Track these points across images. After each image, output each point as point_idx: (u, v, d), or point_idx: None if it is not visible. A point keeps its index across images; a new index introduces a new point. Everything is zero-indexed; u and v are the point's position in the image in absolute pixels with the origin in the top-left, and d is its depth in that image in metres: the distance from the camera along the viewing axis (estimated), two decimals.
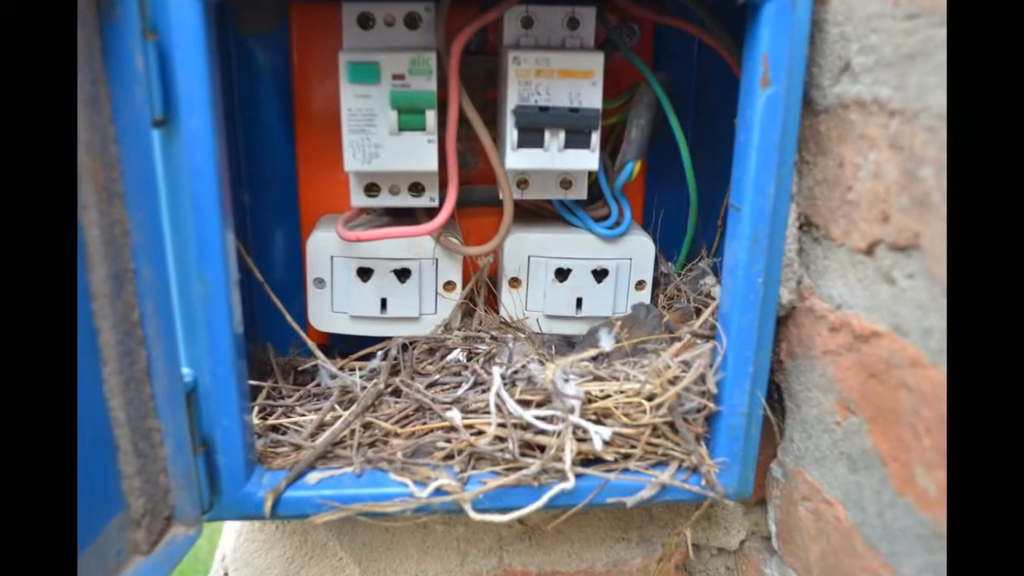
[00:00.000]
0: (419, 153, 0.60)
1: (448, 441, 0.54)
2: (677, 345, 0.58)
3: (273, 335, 0.69)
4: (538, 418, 0.52)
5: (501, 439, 0.53)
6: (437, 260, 0.66)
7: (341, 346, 0.70)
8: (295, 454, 0.55)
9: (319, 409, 0.60)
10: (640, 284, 0.68)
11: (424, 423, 0.56)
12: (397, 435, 0.56)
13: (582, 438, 0.53)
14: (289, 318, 0.63)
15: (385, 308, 0.66)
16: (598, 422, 0.54)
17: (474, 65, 0.66)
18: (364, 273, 0.65)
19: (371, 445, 0.55)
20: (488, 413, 0.54)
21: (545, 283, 0.67)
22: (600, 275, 0.68)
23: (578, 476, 0.52)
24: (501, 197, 0.64)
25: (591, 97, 0.59)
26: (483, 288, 0.69)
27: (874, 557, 0.47)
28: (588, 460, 0.54)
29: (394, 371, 0.62)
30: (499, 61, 0.63)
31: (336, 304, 0.66)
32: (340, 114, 0.59)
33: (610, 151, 0.70)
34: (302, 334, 0.64)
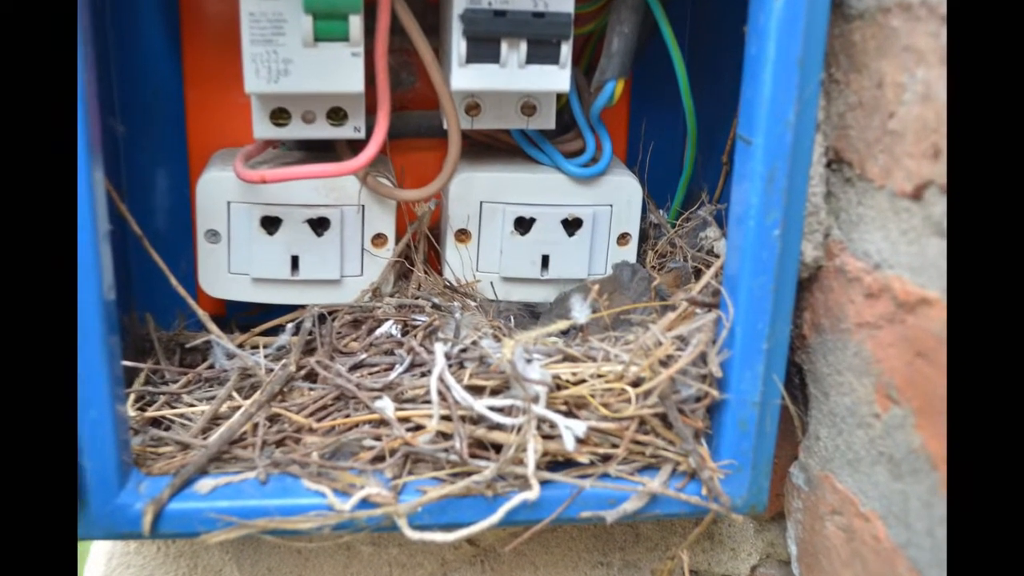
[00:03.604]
0: (341, 70, 0.60)
1: (378, 439, 0.54)
2: (671, 316, 0.58)
3: (154, 303, 0.70)
4: (493, 409, 0.52)
5: (445, 436, 0.53)
6: (363, 207, 0.66)
7: (241, 317, 0.71)
8: (182, 455, 0.55)
9: (213, 397, 0.60)
10: (623, 238, 0.69)
11: (347, 416, 0.56)
12: (312, 431, 0.56)
13: (549, 435, 0.53)
14: (174, 281, 0.63)
15: (297, 268, 0.67)
16: (569, 414, 0.54)
17: None
18: (270, 224, 0.65)
19: (279, 444, 0.56)
20: (429, 403, 0.54)
21: (502, 236, 0.68)
22: (572, 226, 0.68)
23: (544, 483, 0.53)
24: (445, 126, 0.64)
25: None
26: (422, 243, 0.70)
27: None
28: (557, 463, 0.54)
29: (308, 349, 0.62)
30: None
31: (234, 263, 0.67)
32: (239, 20, 0.58)
33: (585, 67, 0.70)
34: (191, 302, 0.64)
